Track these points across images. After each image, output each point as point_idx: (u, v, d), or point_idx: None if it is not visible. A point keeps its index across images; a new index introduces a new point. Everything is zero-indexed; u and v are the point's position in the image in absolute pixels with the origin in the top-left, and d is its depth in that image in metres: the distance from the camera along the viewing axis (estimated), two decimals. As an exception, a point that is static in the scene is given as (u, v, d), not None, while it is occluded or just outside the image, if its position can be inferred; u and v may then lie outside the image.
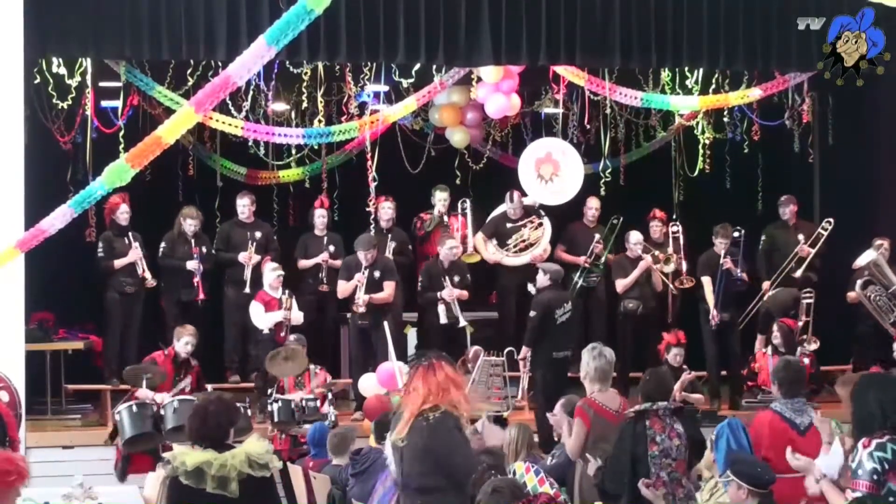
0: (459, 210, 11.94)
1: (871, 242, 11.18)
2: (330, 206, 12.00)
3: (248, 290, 11.12)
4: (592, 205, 11.94)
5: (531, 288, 10.85)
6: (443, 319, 10.95)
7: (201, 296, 11.07)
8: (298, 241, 11.67)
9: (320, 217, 11.54)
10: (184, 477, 5.28)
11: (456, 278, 11.07)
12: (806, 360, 10.75)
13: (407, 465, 5.80)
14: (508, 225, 11.71)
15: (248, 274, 11.18)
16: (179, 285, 11.20)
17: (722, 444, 6.58)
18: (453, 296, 10.96)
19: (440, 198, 11.82)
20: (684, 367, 10.38)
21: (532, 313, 10.38)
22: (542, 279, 10.64)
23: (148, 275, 10.89)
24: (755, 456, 6.50)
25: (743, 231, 11.46)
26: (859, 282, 11.05)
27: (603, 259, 11.81)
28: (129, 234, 10.91)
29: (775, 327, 10.69)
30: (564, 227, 12.04)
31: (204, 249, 11.22)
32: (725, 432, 6.63)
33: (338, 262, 11.37)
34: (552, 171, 11.65)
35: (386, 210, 11.47)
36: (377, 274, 10.85)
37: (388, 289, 10.88)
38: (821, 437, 6.75)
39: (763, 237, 11.96)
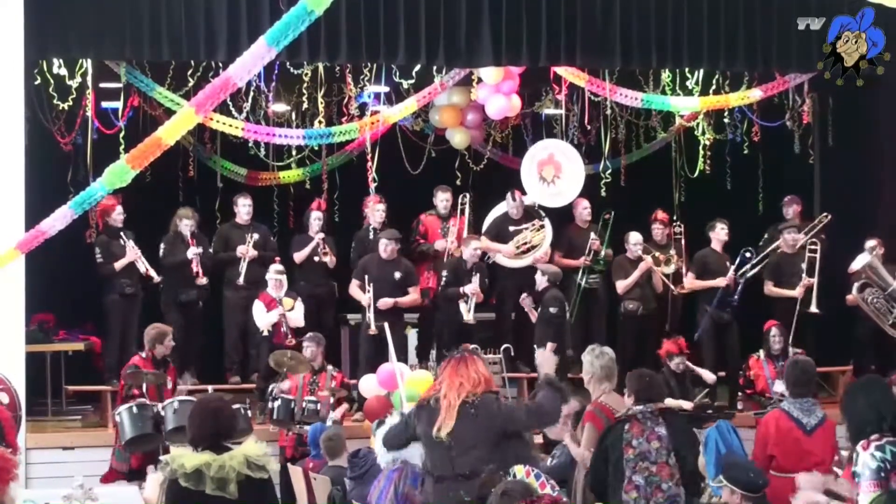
0: (459, 205, 11.90)
1: (864, 244, 11.17)
2: (329, 208, 11.99)
3: (241, 281, 11.14)
4: (583, 205, 11.91)
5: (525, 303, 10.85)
6: (466, 317, 10.98)
7: (203, 280, 11.07)
8: (293, 241, 11.66)
9: (316, 220, 11.50)
10: (183, 479, 5.27)
11: (476, 279, 11.09)
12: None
13: (461, 457, 6.05)
14: (511, 228, 11.69)
15: (243, 266, 11.19)
16: (178, 286, 11.19)
17: (711, 448, 6.56)
18: (475, 291, 11.00)
19: (441, 198, 11.79)
20: (686, 370, 10.40)
21: (554, 310, 10.54)
22: (542, 280, 10.67)
23: (152, 272, 10.88)
24: (748, 459, 6.48)
25: (753, 251, 11.42)
26: (856, 285, 11.04)
27: (602, 255, 11.78)
28: (122, 234, 10.91)
29: (774, 330, 10.67)
30: (558, 231, 11.97)
31: (201, 249, 11.21)
32: (714, 435, 6.62)
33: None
34: (554, 174, 11.65)
35: (378, 211, 11.46)
36: (397, 275, 10.89)
37: (414, 293, 10.99)
38: (831, 438, 6.76)
39: (765, 236, 11.95)
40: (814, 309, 11.30)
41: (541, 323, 10.59)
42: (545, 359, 7.41)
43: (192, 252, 11.04)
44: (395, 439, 6.63)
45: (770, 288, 11.54)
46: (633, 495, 6.47)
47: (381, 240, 10.95)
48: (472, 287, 11.02)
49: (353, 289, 10.99)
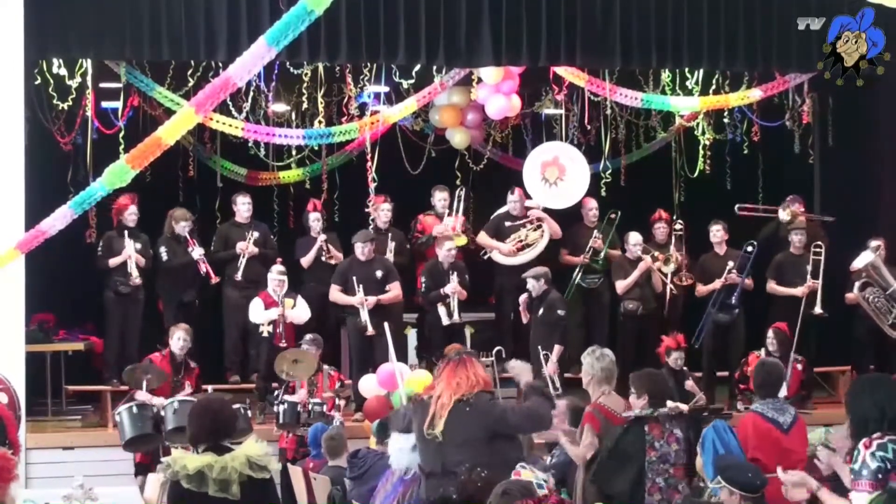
0: (456, 198, 11.87)
1: (867, 243, 11.17)
2: (329, 208, 11.99)
3: (239, 276, 11.13)
4: (591, 206, 11.91)
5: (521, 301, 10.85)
6: (445, 321, 10.95)
7: (214, 278, 11.04)
8: (296, 244, 11.65)
9: (315, 221, 11.48)
10: (185, 481, 5.27)
11: (456, 277, 11.07)
12: (799, 367, 10.76)
13: (451, 453, 6.07)
14: (508, 224, 11.68)
15: (242, 262, 11.18)
16: (179, 286, 11.19)
17: (708, 448, 6.56)
18: (455, 290, 10.96)
19: (439, 198, 11.80)
20: (684, 368, 10.40)
21: (562, 312, 10.56)
22: (539, 284, 10.65)
23: (135, 272, 10.78)
24: (745, 459, 6.49)
25: (756, 244, 11.41)
26: (857, 284, 11.03)
27: (602, 254, 11.77)
28: (126, 232, 10.90)
29: (771, 332, 10.67)
30: (565, 229, 11.98)
31: (203, 250, 11.20)
32: (711, 435, 6.62)
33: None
34: (557, 175, 11.63)
35: (384, 211, 11.47)
36: (379, 274, 10.86)
37: (395, 289, 10.91)
38: (805, 434, 6.78)
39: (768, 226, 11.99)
40: (818, 310, 11.29)
41: (545, 325, 10.57)
42: (522, 368, 7.45)
43: (198, 253, 11.02)
44: (397, 419, 6.68)
45: (772, 286, 11.54)
46: (657, 497, 6.47)
47: (356, 244, 10.88)
48: (452, 286, 10.97)
49: (335, 294, 10.90)
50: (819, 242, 11.49)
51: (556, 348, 10.39)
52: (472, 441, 6.14)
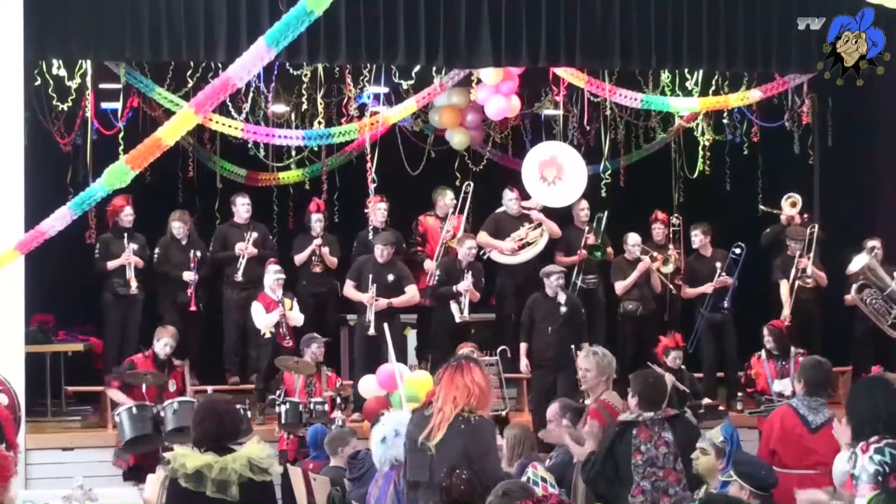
0: (462, 194, 11.88)
1: (863, 244, 11.17)
2: (329, 208, 11.99)
3: (239, 277, 11.14)
4: (582, 206, 11.87)
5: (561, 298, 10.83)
6: (458, 318, 10.96)
7: (193, 307, 11.01)
8: (295, 241, 11.66)
9: (316, 222, 11.46)
10: (183, 479, 5.26)
11: (471, 277, 11.08)
12: (801, 359, 10.75)
13: (439, 468, 5.88)
14: (506, 222, 11.66)
15: (242, 263, 11.17)
16: (176, 288, 11.16)
17: (732, 448, 6.55)
18: (468, 289, 10.97)
19: (450, 197, 11.79)
20: (682, 367, 10.41)
21: (583, 310, 10.83)
22: (559, 282, 10.69)
23: (134, 283, 10.79)
24: (759, 457, 6.49)
25: (744, 247, 11.42)
26: (854, 286, 11.03)
27: (599, 243, 11.74)
28: (126, 235, 10.90)
29: (766, 331, 10.68)
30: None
31: (198, 254, 11.18)
32: (734, 435, 6.61)
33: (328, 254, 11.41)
34: (555, 175, 11.63)
35: (381, 210, 11.46)
36: (391, 278, 10.86)
37: (410, 292, 10.93)
38: (833, 438, 6.77)
39: (767, 231, 11.99)
40: (808, 271, 11.30)
41: (571, 326, 10.62)
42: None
43: (189, 276, 10.97)
44: None
45: (785, 294, 11.53)
46: (640, 499, 6.47)
47: (376, 245, 10.93)
48: (465, 284, 10.98)
49: (349, 289, 10.97)
50: (816, 224, 11.59)
51: (586, 346, 10.42)
52: (460, 460, 5.85)
